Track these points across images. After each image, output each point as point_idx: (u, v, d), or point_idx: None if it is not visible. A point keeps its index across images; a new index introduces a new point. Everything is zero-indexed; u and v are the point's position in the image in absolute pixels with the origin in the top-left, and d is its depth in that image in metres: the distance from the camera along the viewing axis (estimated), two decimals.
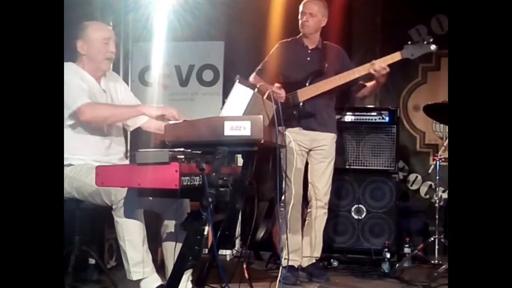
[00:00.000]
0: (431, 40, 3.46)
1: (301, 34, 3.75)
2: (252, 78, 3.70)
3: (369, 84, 3.68)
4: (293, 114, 3.53)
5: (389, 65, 3.47)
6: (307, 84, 3.58)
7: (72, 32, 2.92)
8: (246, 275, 2.78)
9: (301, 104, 3.56)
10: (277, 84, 3.51)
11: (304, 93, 3.57)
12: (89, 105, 2.73)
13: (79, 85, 2.78)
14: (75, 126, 2.80)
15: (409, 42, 3.47)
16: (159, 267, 2.84)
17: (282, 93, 3.49)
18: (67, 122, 2.77)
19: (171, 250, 2.55)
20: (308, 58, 3.70)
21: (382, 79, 3.52)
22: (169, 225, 2.79)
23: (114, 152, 2.91)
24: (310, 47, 3.72)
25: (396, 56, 3.46)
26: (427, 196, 5.13)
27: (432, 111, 4.01)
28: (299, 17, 3.68)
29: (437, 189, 4.20)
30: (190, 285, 2.63)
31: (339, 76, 3.53)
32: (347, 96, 3.91)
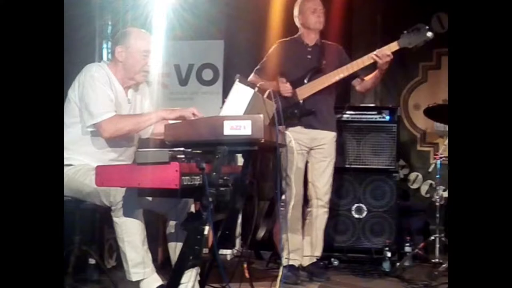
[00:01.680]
0: (427, 28, 3.44)
1: (300, 32, 3.74)
2: (251, 78, 3.69)
3: (370, 76, 3.65)
4: (294, 113, 3.52)
5: (390, 63, 3.47)
6: (305, 82, 3.58)
7: (90, 31, 2.88)
8: (246, 274, 2.77)
9: (301, 102, 3.55)
10: (282, 79, 3.50)
11: (303, 91, 3.56)
12: (112, 121, 2.67)
13: (107, 95, 2.73)
14: (94, 134, 2.76)
15: (405, 31, 3.45)
16: (159, 267, 2.84)
17: (288, 87, 3.49)
18: (88, 129, 2.74)
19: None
20: (309, 56, 3.69)
21: (385, 66, 3.50)
22: (174, 226, 2.78)
23: (121, 159, 2.87)
24: (310, 44, 3.71)
25: (393, 46, 3.45)
26: (428, 195, 5.12)
27: (432, 112, 4.00)
28: (307, 14, 3.65)
29: (437, 188, 4.19)
30: (197, 285, 2.60)
31: (337, 71, 3.53)
32: (347, 92, 3.89)
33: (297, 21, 3.75)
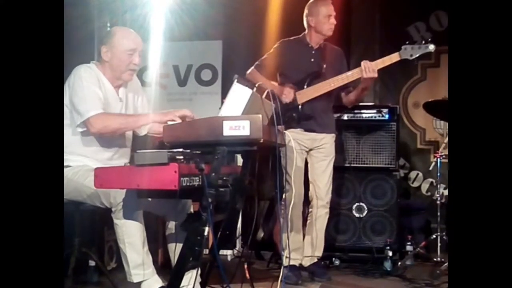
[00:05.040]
0: (429, 39, 3.45)
1: (306, 33, 3.69)
2: (250, 73, 3.66)
3: (354, 91, 3.64)
4: (292, 117, 3.51)
5: (373, 80, 3.47)
6: (305, 86, 3.56)
7: (89, 31, 2.86)
8: (247, 275, 2.76)
9: (300, 106, 3.54)
10: (289, 84, 3.50)
11: (303, 95, 3.54)
12: (99, 117, 2.66)
13: (95, 93, 2.72)
14: (84, 134, 2.76)
15: (407, 42, 3.46)
16: (160, 268, 2.83)
17: (292, 93, 3.48)
18: (78, 129, 2.74)
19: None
20: (312, 59, 3.66)
21: (368, 82, 3.51)
22: (173, 227, 2.77)
23: (116, 163, 2.84)
24: (315, 47, 3.68)
25: (394, 57, 3.46)
26: (429, 194, 5.13)
27: (432, 108, 4.00)
28: (321, 19, 3.60)
29: (438, 186, 4.20)
30: (198, 286, 2.59)
31: (336, 78, 3.51)
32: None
33: (306, 21, 3.69)
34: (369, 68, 3.41)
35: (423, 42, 3.47)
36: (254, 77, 3.54)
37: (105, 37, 2.88)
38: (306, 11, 3.69)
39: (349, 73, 3.52)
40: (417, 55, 3.46)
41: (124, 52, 2.81)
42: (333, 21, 3.62)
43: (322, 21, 3.61)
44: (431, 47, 3.43)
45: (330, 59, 3.67)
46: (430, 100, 4.06)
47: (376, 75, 3.44)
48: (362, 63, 3.43)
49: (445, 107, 3.71)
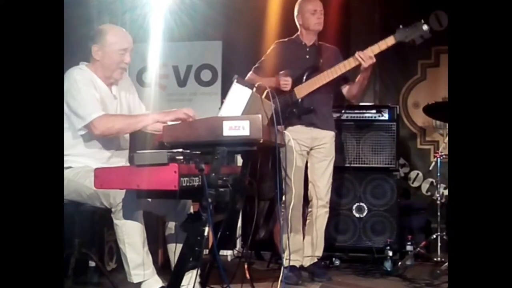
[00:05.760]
0: (423, 21, 3.43)
1: (299, 32, 3.73)
2: (249, 76, 3.68)
3: (355, 82, 3.65)
4: (293, 112, 3.52)
5: (388, 62, 3.46)
6: (303, 81, 3.57)
7: (88, 32, 2.86)
8: (247, 275, 2.76)
9: (299, 100, 3.54)
10: (283, 72, 3.50)
11: (301, 90, 3.55)
12: (102, 119, 2.65)
13: (93, 95, 2.71)
14: (85, 137, 2.75)
15: (401, 26, 3.44)
16: (160, 268, 2.83)
17: (289, 79, 3.48)
18: (79, 132, 2.72)
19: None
20: (307, 56, 3.68)
21: (368, 70, 3.51)
22: (173, 227, 2.77)
23: (115, 161, 2.84)
24: (308, 44, 3.71)
25: (390, 40, 3.44)
26: (429, 193, 5.13)
27: (432, 110, 4.00)
28: (307, 15, 3.64)
29: (438, 186, 4.20)
30: (198, 286, 2.59)
31: (334, 69, 3.51)
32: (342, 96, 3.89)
33: (296, 21, 3.74)
34: (366, 57, 3.41)
35: (416, 23, 3.42)
36: (254, 81, 3.55)
37: (96, 36, 2.84)
38: (295, 12, 3.74)
39: (345, 61, 3.52)
40: (412, 37, 3.43)
41: (116, 52, 2.80)
42: (319, 15, 3.64)
43: (308, 16, 3.65)
44: (425, 27, 3.40)
45: (326, 56, 3.68)
46: (429, 103, 4.05)
47: (374, 60, 3.43)
48: (356, 54, 3.43)
49: (444, 109, 3.71)
